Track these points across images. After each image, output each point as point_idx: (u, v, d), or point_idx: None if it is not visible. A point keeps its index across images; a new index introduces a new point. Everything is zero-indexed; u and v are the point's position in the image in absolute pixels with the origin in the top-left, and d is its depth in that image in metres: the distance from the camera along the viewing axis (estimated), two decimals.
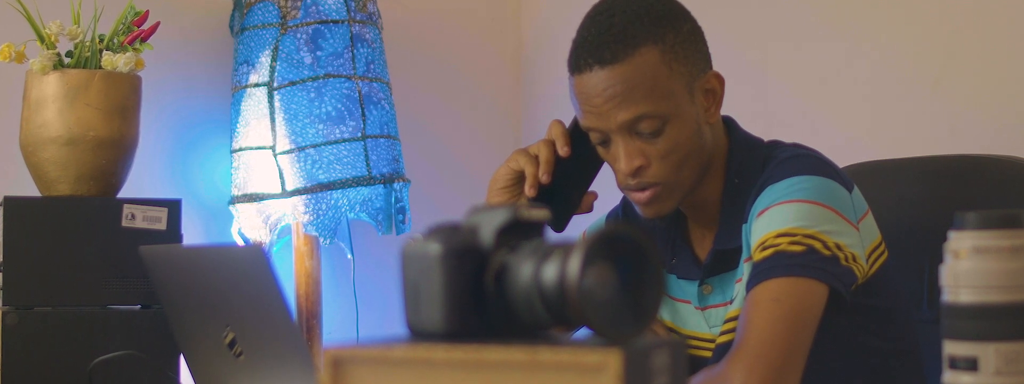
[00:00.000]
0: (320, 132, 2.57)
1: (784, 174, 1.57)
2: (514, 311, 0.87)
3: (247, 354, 1.58)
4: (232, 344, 1.60)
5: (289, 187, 2.58)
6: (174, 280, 1.77)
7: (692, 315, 1.70)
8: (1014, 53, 2.20)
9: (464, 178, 3.04)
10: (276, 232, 2.62)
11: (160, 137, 2.72)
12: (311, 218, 2.57)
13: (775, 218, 1.53)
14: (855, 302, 1.56)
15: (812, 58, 2.54)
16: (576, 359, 0.80)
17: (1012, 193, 1.78)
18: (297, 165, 2.57)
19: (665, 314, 1.73)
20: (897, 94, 2.39)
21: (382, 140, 2.63)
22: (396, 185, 2.64)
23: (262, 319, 1.54)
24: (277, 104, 2.58)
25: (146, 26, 2.25)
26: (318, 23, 2.61)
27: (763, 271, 1.49)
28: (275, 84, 2.59)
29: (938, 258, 0.98)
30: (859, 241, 1.55)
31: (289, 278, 2.68)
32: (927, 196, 1.88)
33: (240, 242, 2.63)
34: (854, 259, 1.52)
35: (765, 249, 1.51)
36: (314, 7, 2.62)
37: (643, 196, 1.60)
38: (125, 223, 2.10)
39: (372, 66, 2.66)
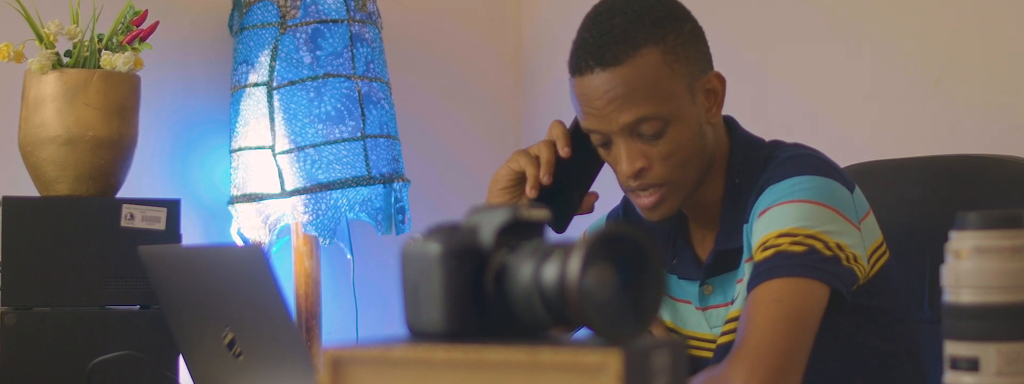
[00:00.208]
0: (319, 132, 2.57)
1: (785, 174, 1.57)
2: (514, 311, 0.87)
3: (246, 354, 1.58)
4: (231, 344, 1.59)
5: (288, 187, 2.57)
6: (173, 280, 1.77)
7: (693, 315, 1.70)
8: (1015, 53, 2.20)
9: (464, 178, 3.04)
10: (275, 232, 2.61)
11: (159, 137, 2.72)
12: (310, 218, 2.57)
13: (776, 218, 1.52)
14: (856, 302, 1.55)
15: (812, 58, 2.54)
16: (576, 359, 0.80)
17: (1013, 193, 1.78)
18: (296, 165, 2.56)
19: (666, 314, 1.73)
20: (898, 94, 2.39)
21: (382, 140, 2.63)
22: (396, 185, 2.64)
23: (261, 319, 1.54)
24: (276, 104, 2.58)
25: (145, 26, 2.25)
26: (318, 23, 2.61)
27: (764, 271, 1.49)
28: (274, 84, 2.58)
29: (939, 258, 0.98)
30: (860, 241, 1.54)
31: (289, 278, 2.68)
32: (928, 196, 1.88)
33: (239, 242, 2.63)
34: (855, 259, 1.52)
35: (766, 249, 1.50)
36: (314, 6, 2.61)
37: (647, 201, 1.60)
38: (124, 223, 2.10)
39: (372, 66, 2.66)
